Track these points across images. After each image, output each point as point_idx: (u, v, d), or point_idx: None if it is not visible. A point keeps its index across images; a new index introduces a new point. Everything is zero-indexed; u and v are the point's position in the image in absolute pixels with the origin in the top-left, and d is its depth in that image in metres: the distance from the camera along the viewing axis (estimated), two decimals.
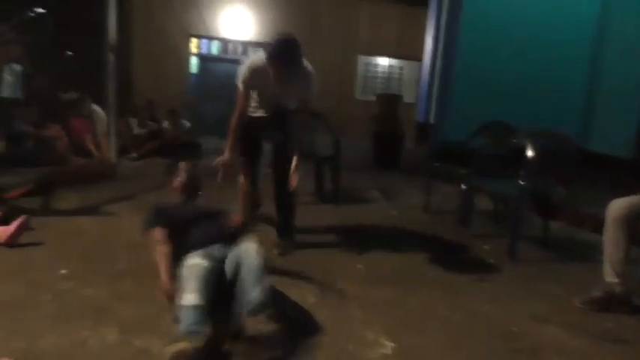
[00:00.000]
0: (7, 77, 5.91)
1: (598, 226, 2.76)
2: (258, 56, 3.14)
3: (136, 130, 7.46)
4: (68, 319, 2.18)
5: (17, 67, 6.12)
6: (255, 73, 3.11)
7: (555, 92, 7.33)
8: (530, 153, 3.51)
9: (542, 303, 2.72)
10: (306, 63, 3.14)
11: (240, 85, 3.17)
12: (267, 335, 2.08)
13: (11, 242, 3.04)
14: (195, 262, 2.16)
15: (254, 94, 3.30)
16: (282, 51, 2.91)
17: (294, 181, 3.12)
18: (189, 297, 2.00)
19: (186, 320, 1.93)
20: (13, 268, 2.73)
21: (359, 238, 3.74)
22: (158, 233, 2.40)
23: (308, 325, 2.25)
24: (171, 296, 2.15)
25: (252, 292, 2.03)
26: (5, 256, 2.92)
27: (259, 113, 3.37)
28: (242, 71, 3.16)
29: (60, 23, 5.48)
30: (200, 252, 2.26)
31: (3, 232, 3.08)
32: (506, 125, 4.53)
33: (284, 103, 3.31)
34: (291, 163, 3.20)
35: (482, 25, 7.13)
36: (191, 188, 2.73)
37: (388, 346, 2.12)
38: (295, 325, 2.24)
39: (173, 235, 2.41)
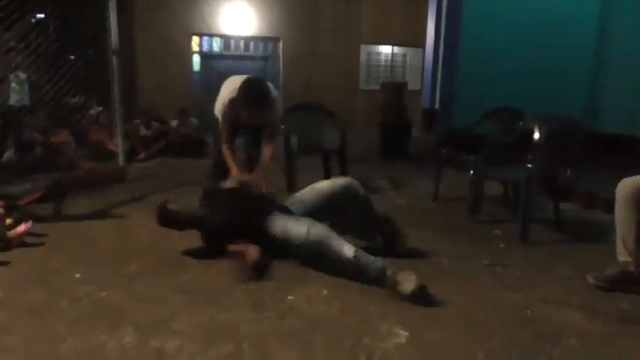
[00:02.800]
0: (14, 85, 5.97)
1: (610, 206, 2.74)
2: (231, 89, 3.50)
3: (142, 131, 7.50)
4: (86, 322, 2.21)
5: (22, 75, 6.17)
6: (232, 105, 3.55)
7: (562, 74, 7.27)
8: (537, 136, 3.49)
9: (557, 286, 2.71)
10: (271, 91, 3.64)
11: (221, 121, 3.68)
12: None
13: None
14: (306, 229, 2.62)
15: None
16: (254, 95, 3.36)
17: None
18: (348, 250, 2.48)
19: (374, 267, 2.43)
20: (30, 274, 2.76)
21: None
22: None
23: (323, 320, 2.26)
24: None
25: None
26: (22, 262, 2.96)
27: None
28: (220, 105, 3.66)
29: (62, 28, 5.52)
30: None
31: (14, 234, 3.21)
32: (514, 110, 4.52)
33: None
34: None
35: (486, 9, 7.07)
36: None
37: (403, 336, 2.12)
38: (309, 318, 2.26)
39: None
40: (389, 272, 2.39)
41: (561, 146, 3.59)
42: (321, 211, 2.84)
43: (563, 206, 3.85)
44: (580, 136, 3.50)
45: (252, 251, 2.68)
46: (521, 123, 3.96)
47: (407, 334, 2.14)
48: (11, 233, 3.21)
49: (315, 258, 2.61)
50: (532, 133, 3.49)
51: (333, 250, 2.49)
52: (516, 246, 3.38)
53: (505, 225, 3.83)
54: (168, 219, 3.07)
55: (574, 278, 2.81)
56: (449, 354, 2.01)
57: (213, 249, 2.90)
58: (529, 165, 3.47)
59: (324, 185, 2.95)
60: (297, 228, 2.66)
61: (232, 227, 2.85)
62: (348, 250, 2.48)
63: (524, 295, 2.58)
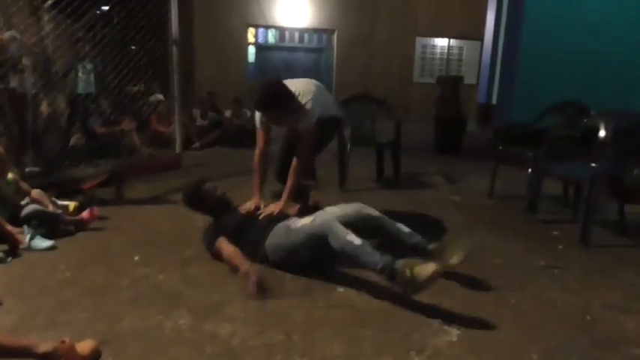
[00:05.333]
0: (80, 75, 6.27)
1: None
2: None
3: (199, 121, 7.70)
4: (144, 303, 2.31)
5: (88, 65, 6.47)
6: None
7: (630, 69, 6.85)
8: (603, 133, 3.32)
9: (618, 291, 2.59)
10: (303, 100, 3.10)
11: (257, 125, 3.32)
12: None
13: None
14: (312, 217, 2.55)
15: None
16: (261, 100, 3.04)
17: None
18: (355, 238, 2.32)
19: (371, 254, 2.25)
20: (93, 255, 2.91)
21: (421, 225, 3.67)
22: (222, 241, 2.70)
23: (373, 312, 2.26)
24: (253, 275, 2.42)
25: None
26: (85, 243, 3.12)
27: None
28: (256, 114, 3.32)
29: (125, 19, 5.73)
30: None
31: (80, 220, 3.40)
32: (578, 105, 4.33)
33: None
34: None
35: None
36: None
37: (454, 334, 2.09)
38: (359, 309, 2.26)
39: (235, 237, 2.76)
40: (399, 264, 2.17)
41: (629, 144, 3.40)
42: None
43: (629, 208, 3.65)
44: None
45: (250, 270, 2.48)
46: (585, 119, 3.78)
47: (458, 331, 2.10)
48: (77, 219, 3.38)
49: (321, 245, 2.43)
50: (597, 129, 3.32)
51: (341, 235, 2.35)
52: (576, 248, 3.24)
53: (564, 226, 3.68)
54: (199, 199, 3.07)
55: (637, 284, 2.68)
56: (502, 353, 1.96)
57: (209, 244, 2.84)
58: (593, 164, 3.31)
59: (334, 210, 2.73)
60: (302, 221, 2.60)
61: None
62: (353, 237, 2.33)
63: (582, 299, 2.48)
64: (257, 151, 3.34)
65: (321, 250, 2.46)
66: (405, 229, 2.66)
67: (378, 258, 2.24)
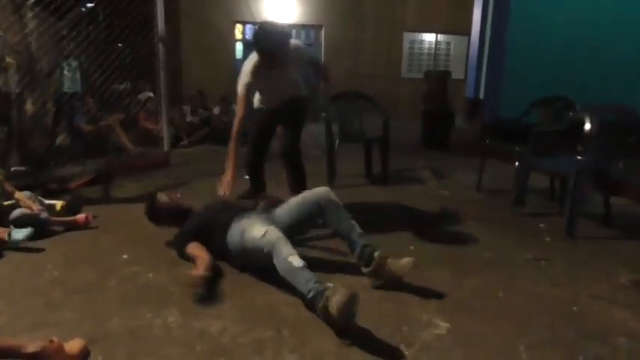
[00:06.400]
0: (65, 73, 6.20)
1: None
2: (250, 57, 3.22)
3: (188, 118, 7.66)
4: (133, 302, 2.30)
5: (74, 63, 6.40)
6: (255, 72, 3.17)
7: (617, 63, 6.91)
8: (587, 126, 3.35)
9: (605, 283, 2.62)
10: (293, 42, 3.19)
11: (242, 90, 3.20)
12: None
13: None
14: (264, 231, 2.40)
15: (258, 94, 3.43)
16: (266, 38, 3.01)
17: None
18: (295, 260, 2.22)
19: (306, 280, 2.14)
20: (81, 254, 2.89)
21: (410, 219, 3.71)
22: (192, 247, 2.67)
23: (362, 307, 2.26)
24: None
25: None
26: (73, 242, 3.09)
27: (273, 105, 3.44)
28: (243, 76, 3.21)
29: (111, 17, 5.68)
30: (253, 219, 2.59)
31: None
32: (564, 100, 4.37)
33: (293, 92, 3.35)
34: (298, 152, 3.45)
35: None
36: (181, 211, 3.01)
37: (443, 327, 2.11)
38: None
39: (203, 237, 2.72)
40: (326, 293, 2.05)
41: (615, 137, 3.44)
42: (294, 222, 2.67)
43: (614, 200, 3.70)
44: (634, 125, 3.34)
45: (201, 265, 2.47)
46: (571, 113, 3.81)
47: (447, 325, 2.12)
48: (70, 220, 3.35)
49: (265, 257, 2.37)
50: (583, 123, 3.36)
51: (283, 256, 2.27)
52: (562, 240, 3.28)
53: (551, 218, 3.72)
54: (157, 212, 3.04)
55: (622, 275, 2.71)
56: (490, 346, 1.98)
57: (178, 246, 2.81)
58: (578, 157, 3.34)
59: (296, 198, 2.75)
60: (254, 230, 2.48)
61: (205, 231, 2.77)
62: (294, 259, 2.24)
63: (569, 291, 2.51)
64: (237, 119, 3.26)
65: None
66: (358, 229, 2.55)
67: (311, 286, 2.12)
